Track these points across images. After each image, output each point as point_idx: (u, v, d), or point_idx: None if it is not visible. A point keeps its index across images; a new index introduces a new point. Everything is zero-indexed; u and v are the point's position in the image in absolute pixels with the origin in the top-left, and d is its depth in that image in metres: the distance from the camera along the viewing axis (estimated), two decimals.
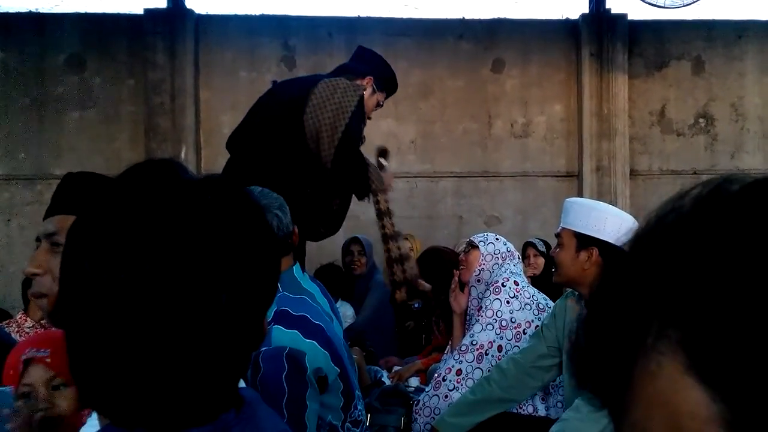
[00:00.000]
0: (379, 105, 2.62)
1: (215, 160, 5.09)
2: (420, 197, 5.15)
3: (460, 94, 5.18)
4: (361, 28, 5.22)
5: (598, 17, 5.19)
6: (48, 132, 5.01)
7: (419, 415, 2.25)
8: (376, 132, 5.14)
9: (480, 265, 2.40)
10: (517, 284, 2.34)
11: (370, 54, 2.67)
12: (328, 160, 2.37)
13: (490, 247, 2.42)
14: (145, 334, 0.53)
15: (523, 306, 2.28)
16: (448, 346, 2.55)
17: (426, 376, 2.85)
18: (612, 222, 1.91)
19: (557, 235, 2.04)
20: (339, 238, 4.75)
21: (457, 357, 2.27)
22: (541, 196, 5.19)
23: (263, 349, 1.49)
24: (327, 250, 3.95)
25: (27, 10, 5.24)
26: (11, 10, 5.17)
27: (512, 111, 5.20)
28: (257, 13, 5.44)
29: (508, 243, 2.48)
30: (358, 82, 2.50)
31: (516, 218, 5.18)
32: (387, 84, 2.63)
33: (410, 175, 5.14)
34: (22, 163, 4.98)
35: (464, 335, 2.38)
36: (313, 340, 1.55)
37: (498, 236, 2.51)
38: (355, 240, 4.01)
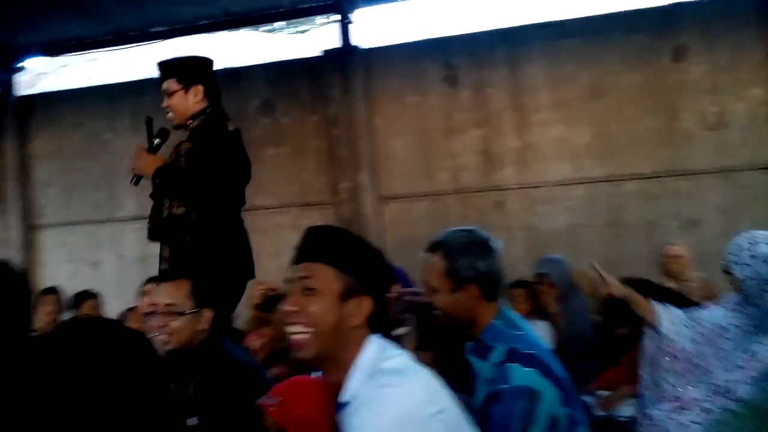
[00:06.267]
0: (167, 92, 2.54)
1: (390, 181, 5.22)
2: (601, 204, 4.71)
3: (638, 89, 4.68)
4: (523, 36, 4.99)
5: None
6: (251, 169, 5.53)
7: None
8: (544, 138, 4.91)
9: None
10: None
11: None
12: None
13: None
14: None
15: None
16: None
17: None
18: None
19: None
20: (518, 254, 4.57)
21: (708, 395, 1.92)
22: (747, 193, 4.44)
23: (503, 386, 1.49)
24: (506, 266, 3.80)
25: (224, 67, 5.93)
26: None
27: (701, 101, 4.58)
28: (419, 39, 5.52)
29: None
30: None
31: (718, 220, 4.48)
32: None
33: (587, 180, 4.76)
34: None
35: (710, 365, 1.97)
36: (547, 379, 1.52)
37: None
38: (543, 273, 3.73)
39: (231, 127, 2.53)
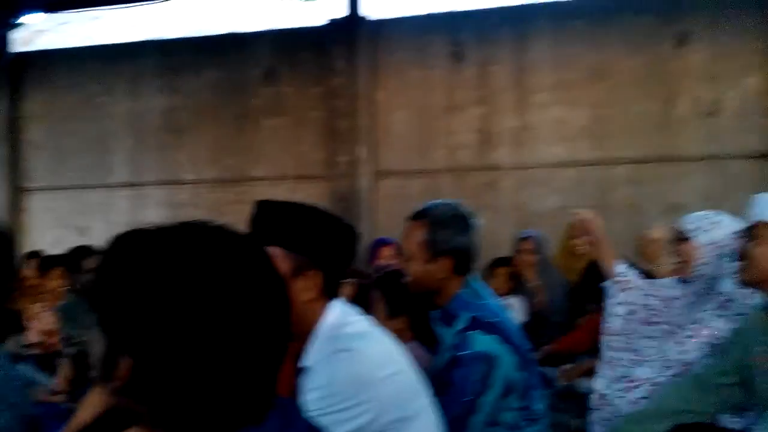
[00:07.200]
0: None
1: (388, 157, 5.28)
2: (590, 186, 4.78)
3: (638, 73, 4.71)
4: (530, 15, 4.99)
5: None
6: (247, 139, 5.59)
7: (599, 409, 2.07)
8: (543, 119, 4.98)
9: (700, 259, 1.92)
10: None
11: None
12: None
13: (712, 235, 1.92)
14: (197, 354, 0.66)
15: None
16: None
17: None
18: None
19: (752, 229, 1.75)
20: (506, 233, 4.68)
21: (660, 372, 1.98)
22: (732, 181, 4.49)
23: (464, 352, 1.58)
24: (490, 243, 3.89)
25: (229, 32, 5.93)
26: (216, 33, 5.90)
27: (698, 88, 4.62)
28: (427, 12, 5.51)
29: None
30: None
31: (703, 206, 4.59)
32: None
33: (580, 163, 4.83)
34: (227, 168, 5.61)
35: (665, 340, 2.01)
36: (506, 346, 1.59)
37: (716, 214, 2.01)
38: (526, 236, 3.88)
39: None
